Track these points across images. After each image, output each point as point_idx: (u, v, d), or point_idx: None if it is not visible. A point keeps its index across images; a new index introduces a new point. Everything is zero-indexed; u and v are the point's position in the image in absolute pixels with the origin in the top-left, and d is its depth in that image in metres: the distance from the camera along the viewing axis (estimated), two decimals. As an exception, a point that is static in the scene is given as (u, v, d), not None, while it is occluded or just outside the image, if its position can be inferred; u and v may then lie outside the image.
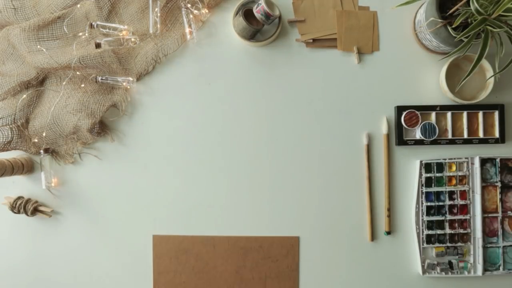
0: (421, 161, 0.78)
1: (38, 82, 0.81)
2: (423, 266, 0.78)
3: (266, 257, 0.80)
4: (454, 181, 0.79)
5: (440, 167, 0.79)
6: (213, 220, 0.80)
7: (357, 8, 0.80)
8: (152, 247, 0.80)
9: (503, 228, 0.79)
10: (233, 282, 0.80)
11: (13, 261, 0.82)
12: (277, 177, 0.80)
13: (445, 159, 0.78)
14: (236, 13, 0.78)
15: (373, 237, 0.79)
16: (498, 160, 0.78)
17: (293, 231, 0.80)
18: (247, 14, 0.75)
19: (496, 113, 0.78)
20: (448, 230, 0.78)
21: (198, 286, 0.80)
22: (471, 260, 0.78)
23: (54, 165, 0.81)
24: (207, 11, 0.80)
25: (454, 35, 0.67)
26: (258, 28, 0.75)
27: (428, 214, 0.78)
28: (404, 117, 0.78)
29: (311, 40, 0.80)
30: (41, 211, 0.80)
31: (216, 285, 0.80)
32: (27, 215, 0.79)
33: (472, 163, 0.79)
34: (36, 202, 0.80)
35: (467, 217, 0.78)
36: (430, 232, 0.78)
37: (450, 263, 0.78)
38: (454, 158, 0.79)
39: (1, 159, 0.76)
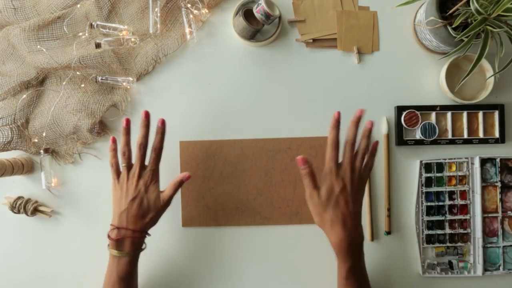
0: (421, 161, 0.78)
1: (38, 82, 0.81)
2: (423, 266, 0.78)
3: (295, 159, 0.79)
4: (454, 181, 0.79)
5: (440, 167, 0.79)
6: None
7: (357, 8, 0.80)
8: (179, 153, 0.80)
9: (503, 228, 0.79)
10: (262, 186, 0.80)
11: (13, 261, 0.82)
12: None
13: (445, 159, 0.78)
14: (236, 13, 0.78)
15: (373, 237, 0.79)
16: (498, 160, 0.78)
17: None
18: (247, 14, 0.75)
19: (496, 113, 0.78)
20: (448, 230, 0.78)
21: (227, 191, 0.80)
22: (471, 260, 0.78)
23: (54, 165, 0.81)
24: (207, 11, 0.80)
25: (454, 35, 0.67)
26: (258, 28, 0.75)
27: (428, 214, 0.78)
28: (404, 117, 0.78)
29: (311, 40, 0.80)
30: (41, 211, 0.80)
31: (245, 190, 0.80)
32: (27, 215, 0.79)
33: (472, 163, 0.79)
34: (36, 202, 0.80)
35: (467, 217, 0.78)
36: (430, 232, 0.78)
37: (450, 263, 0.78)
38: (454, 158, 0.79)
39: (1, 159, 0.76)
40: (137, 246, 0.68)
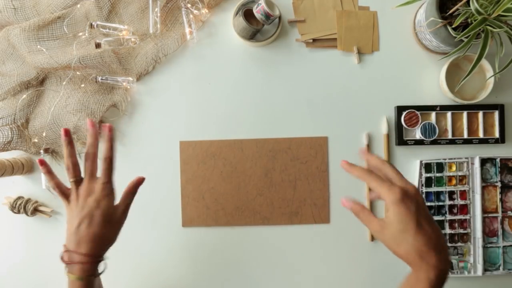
0: (421, 161, 0.78)
1: (38, 82, 0.81)
2: (423, 266, 0.78)
3: (295, 159, 0.79)
4: (454, 181, 0.79)
5: (440, 167, 0.79)
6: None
7: (357, 8, 0.80)
8: (179, 153, 0.80)
9: (503, 228, 0.79)
10: (262, 186, 0.80)
11: (12, 261, 0.82)
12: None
13: (445, 159, 0.78)
14: (236, 13, 0.78)
15: (373, 237, 0.79)
16: (498, 160, 0.78)
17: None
18: (247, 14, 0.75)
19: (496, 113, 0.78)
20: (448, 230, 0.78)
21: (227, 191, 0.80)
22: (471, 260, 0.78)
23: (54, 165, 0.81)
24: (207, 11, 0.80)
25: (454, 35, 0.67)
26: (258, 28, 0.75)
27: (428, 214, 0.78)
28: (404, 117, 0.78)
29: (311, 40, 0.80)
30: (41, 211, 0.80)
31: (245, 190, 0.80)
32: (27, 215, 0.79)
33: (472, 163, 0.79)
34: (36, 202, 0.80)
35: (467, 217, 0.78)
36: (430, 232, 0.78)
37: (450, 263, 0.78)
38: (454, 158, 0.79)
39: (1, 159, 0.76)
40: (89, 272, 0.59)
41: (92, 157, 0.61)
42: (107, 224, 0.59)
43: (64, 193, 0.61)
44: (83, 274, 0.58)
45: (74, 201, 0.60)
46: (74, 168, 0.61)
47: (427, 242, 0.50)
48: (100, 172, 0.62)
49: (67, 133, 0.61)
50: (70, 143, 0.62)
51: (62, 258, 0.59)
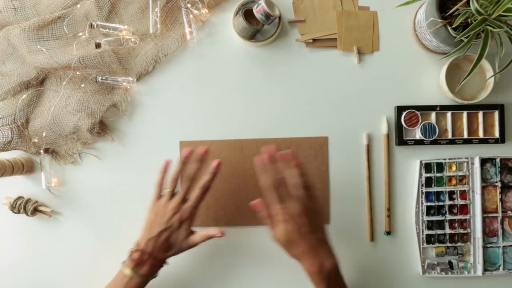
0: (421, 161, 0.78)
1: (38, 82, 0.81)
2: (423, 266, 0.78)
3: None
4: (454, 181, 0.79)
5: (440, 167, 0.79)
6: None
7: (357, 8, 0.80)
8: (179, 153, 0.80)
9: (503, 228, 0.79)
10: None
11: (12, 261, 0.82)
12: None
13: (445, 159, 0.78)
14: (236, 13, 0.78)
15: (373, 237, 0.79)
16: (498, 160, 0.78)
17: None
18: (247, 14, 0.75)
19: (496, 113, 0.78)
20: (448, 230, 0.78)
21: (227, 191, 0.80)
22: (471, 260, 0.78)
23: (54, 165, 0.81)
24: (207, 11, 0.80)
25: (454, 35, 0.67)
26: (258, 28, 0.75)
27: (428, 214, 0.78)
28: (404, 117, 0.78)
29: (311, 40, 0.80)
30: (41, 211, 0.80)
31: (245, 190, 0.80)
32: (27, 215, 0.79)
33: (472, 163, 0.79)
34: (36, 202, 0.80)
35: (467, 217, 0.78)
36: (430, 232, 0.78)
37: (450, 263, 0.78)
38: (454, 158, 0.79)
39: (1, 159, 0.76)
40: (153, 272, 0.69)
41: (192, 181, 0.70)
42: (179, 245, 0.69)
43: (159, 194, 0.72)
44: (149, 273, 0.68)
45: (161, 208, 0.69)
46: (176, 183, 0.71)
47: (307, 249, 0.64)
48: (191, 195, 0.70)
49: (191, 153, 0.72)
50: (187, 163, 0.71)
51: (131, 255, 0.68)
